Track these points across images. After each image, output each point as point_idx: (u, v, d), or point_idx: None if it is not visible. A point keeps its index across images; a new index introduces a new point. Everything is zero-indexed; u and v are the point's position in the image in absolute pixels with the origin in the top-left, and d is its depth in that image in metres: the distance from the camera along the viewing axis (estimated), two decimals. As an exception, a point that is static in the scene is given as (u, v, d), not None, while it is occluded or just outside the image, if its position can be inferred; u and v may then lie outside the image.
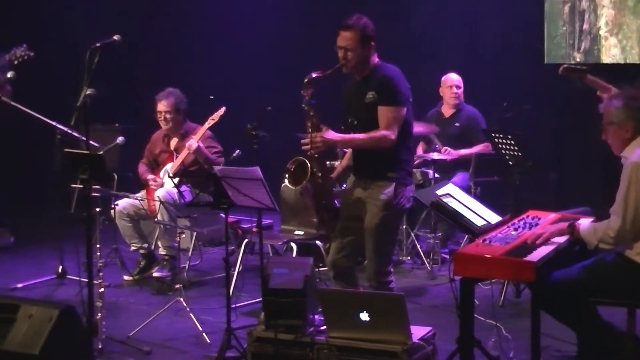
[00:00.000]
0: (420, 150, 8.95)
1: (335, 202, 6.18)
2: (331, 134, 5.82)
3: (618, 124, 5.20)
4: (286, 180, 5.96)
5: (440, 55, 11.08)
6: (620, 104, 5.21)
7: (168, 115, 8.21)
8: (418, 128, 8.54)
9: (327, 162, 6.24)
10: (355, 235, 5.94)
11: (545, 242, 5.08)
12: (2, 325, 5.39)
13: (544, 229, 5.17)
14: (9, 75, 8.22)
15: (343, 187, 6.81)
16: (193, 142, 7.92)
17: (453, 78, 9.07)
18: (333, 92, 6.10)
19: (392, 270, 6.03)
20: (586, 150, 7.58)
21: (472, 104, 9.15)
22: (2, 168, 9.38)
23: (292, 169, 5.95)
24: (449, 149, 8.64)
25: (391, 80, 5.84)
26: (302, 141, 5.83)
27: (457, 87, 9.03)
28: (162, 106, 8.22)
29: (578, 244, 5.25)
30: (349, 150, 6.21)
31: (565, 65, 7.37)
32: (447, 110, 9.11)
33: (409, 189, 5.93)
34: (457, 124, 8.98)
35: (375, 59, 5.94)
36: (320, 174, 5.94)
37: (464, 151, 8.75)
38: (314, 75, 5.85)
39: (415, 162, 8.62)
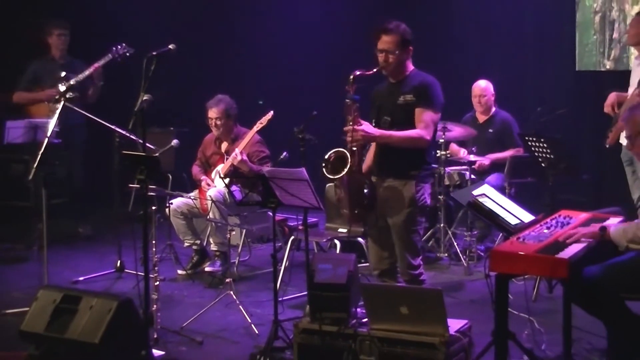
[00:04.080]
0: (458, 152, 8.89)
1: (365, 193, 6.11)
2: (371, 129, 5.82)
3: None
4: (324, 169, 5.89)
5: (478, 61, 11.03)
6: None
7: (219, 122, 8.23)
8: (457, 131, 8.56)
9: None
10: (389, 234, 5.93)
11: (576, 241, 5.03)
12: (64, 315, 5.45)
13: (577, 230, 5.10)
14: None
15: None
16: (238, 154, 7.92)
17: (478, 87, 8.98)
18: (367, 93, 6.09)
19: (422, 263, 6.01)
20: (619, 152, 7.53)
21: (508, 109, 9.09)
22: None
23: (331, 159, 5.91)
24: (481, 162, 8.59)
25: (432, 85, 5.87)
26: (345, 129, 5.79)
27: (482, 96, 8.94)
28: (212, 113, 8.24)
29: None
30: (371, 149, 6.17)
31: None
32: (480, 116, 9.06)
33: (428, 186, 5.96)
34: (490, 130, 8.92)
35: (411, 65, 5.96)
36: (355, 168, 5.91)
37: (495, 155, 8.71)
38: (357, 72, 5.82)
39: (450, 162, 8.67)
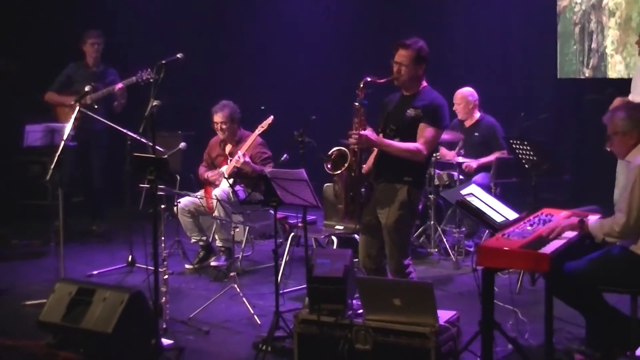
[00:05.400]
0: (448, 155, 8.88)
1: (362, 193, 6.10)
2: (374, 135, 5.81)
3: (623, 132, 5.17)
4: (324, 164, 5.88)
5: (466, 68, 11.04)
6: (624, 115, 5.19)
7: (224, 126, 8.24)
8: (445, 135, 8.55)
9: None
10: (379, 232, 5.92)
11: (558, 234, 5.07)
12: (80, 307, 5.47)
13: (558, 223, 5.16)
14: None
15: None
16: (241, 157, 7.93)
17: (456, 96, 8.90)
18: (377, 100, 6.09)
19: (411, 263, 6.00)
20: (598, 154, 7.53)
21: (494, 114, 9.04)
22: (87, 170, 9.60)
23: (333, 156, 5.91)
24: (469, 164, 8.58)
25: (441, 106, 5.86)
26: (350, 132, 5.76)
27: (458, 104, 8.86)
28: (218, 117, 8.25)
29: (588, 238, 5.22)
30: (373, 152, 6.15)
31: None
32: (466, 121, 9.02)
33: (421, 192, 5.97)
34: (476, 134, 8.86)
35: (425, 83, 5.95)
36: (355, 168, 5.91)
37: (482, 160, 8.68)
38: (368, 79, 5.79)
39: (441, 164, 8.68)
